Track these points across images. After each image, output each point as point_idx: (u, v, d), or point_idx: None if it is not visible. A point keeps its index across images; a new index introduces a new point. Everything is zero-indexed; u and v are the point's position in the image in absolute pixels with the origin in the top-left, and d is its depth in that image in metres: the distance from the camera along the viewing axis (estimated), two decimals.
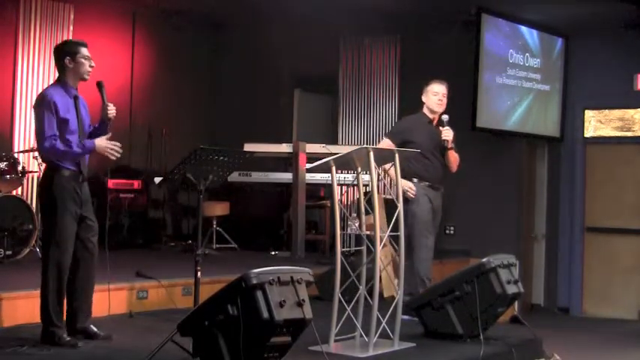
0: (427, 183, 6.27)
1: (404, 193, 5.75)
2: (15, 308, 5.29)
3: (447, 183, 6.47)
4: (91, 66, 4.87)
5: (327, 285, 6.25)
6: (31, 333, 4.97)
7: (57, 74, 4.92)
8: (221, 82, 11.12)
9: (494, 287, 5.24)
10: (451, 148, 6.32)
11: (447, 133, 6.24)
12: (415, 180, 6.23)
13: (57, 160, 4.76)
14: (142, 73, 10.23)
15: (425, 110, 6.38)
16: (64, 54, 4.83)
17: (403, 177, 6.01)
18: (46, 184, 4.80)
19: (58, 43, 4.93)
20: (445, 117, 6.28)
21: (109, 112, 4.92)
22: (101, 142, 4.79)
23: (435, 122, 6.35)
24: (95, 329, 4.91)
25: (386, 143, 6.30)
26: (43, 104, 4.75)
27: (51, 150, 4.72)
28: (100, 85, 4.96)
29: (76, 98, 4.85)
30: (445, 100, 6.34)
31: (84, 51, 4.86)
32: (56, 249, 4.74)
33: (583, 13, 9.23)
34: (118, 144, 4.81)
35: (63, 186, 4.75)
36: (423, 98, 6.37)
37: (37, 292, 5.44)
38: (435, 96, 6.30)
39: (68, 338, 4.74)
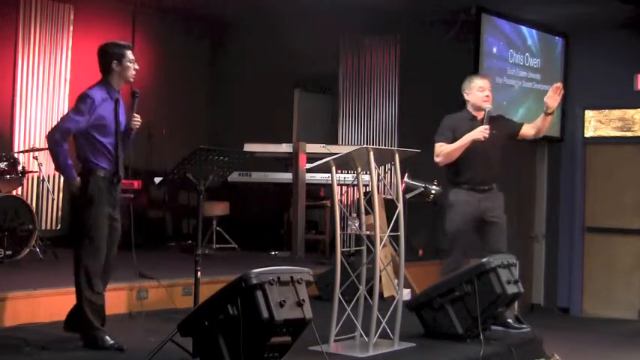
0: (470, 185, 5.85)
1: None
2: (15, 308, 5.29)
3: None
4: (135, 69, 4.85)
5: (327, 285, 6.25)
6: (31, 333, 4.97)
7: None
8: (221, 82, 11.11)
9: (494, 287, 5.24)
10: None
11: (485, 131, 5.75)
12: (458, 184, 5.87)
13: (89, 161, 4.69)
14: (142, 73, 10.12)
15: (469, 108, 5.96)
16: (111, 56, 4.78)
17: (451, 182, 5.93)
18: (82, 183, 4.71)
19: (103, 43, 4.85)
20: (487, 106, 5.83)
21: (133, 122, 4.87)
22: (77, 182, 4.70)
23: (481, 118, 5.87)
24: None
25: (439, 147, 5.83)
26: (83, 101, 4.68)
27: (52, 144, 4.67)
28: (134, 94, 4.90)
29: (117, 101, 4.81)
30: (491, 95, 5.93)
31: (130, 54, 4.82)
32: (89, 250, 4.65)
33: (583, 13, 9.23)
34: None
35: (99, 186, 4.69)
36: (466, 96, 5.95)
37: (38, 292, 5.50)
38: (482, 92, 5.89)
39: (112, 341, 4.67)
